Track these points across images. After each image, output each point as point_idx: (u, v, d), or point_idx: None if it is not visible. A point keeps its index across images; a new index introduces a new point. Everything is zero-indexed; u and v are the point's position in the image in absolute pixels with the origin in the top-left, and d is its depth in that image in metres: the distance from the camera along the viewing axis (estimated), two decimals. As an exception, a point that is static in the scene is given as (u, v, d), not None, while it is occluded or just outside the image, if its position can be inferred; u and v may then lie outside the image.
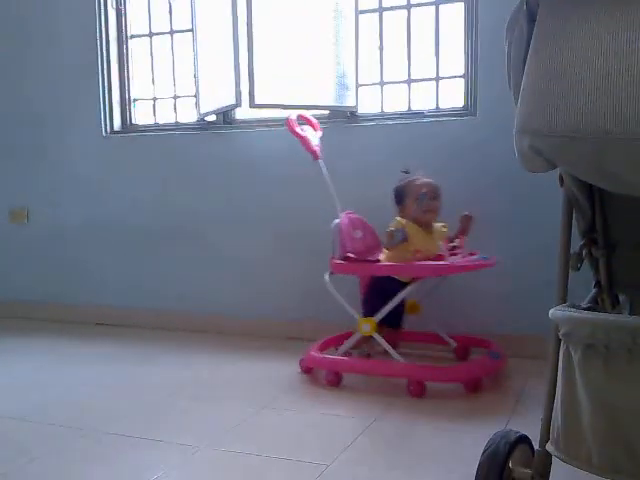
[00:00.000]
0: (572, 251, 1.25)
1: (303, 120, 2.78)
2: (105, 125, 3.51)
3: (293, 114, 2.70)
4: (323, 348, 2.63)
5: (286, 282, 3.16)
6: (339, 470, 1.68)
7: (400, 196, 2.52)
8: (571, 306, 1.14)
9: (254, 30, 2.82)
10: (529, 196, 2.61)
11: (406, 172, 2.53)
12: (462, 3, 2.85)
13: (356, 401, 2.25)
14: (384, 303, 2.41)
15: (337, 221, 2.56)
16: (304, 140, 2.66)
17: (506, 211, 2.70)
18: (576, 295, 1.25)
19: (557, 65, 1.04)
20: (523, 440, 1.32)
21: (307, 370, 2.55)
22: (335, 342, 2.68)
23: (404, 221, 2.43)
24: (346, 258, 2.48)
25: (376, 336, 2.40)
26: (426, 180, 2.48)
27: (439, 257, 2.40)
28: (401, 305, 2.55)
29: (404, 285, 2.42)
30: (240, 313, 3.23)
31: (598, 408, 1.04)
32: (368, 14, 3.06)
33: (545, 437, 1.18)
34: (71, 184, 3.59)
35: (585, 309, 1.18)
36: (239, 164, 3.22)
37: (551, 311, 1.12)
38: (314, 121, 2.82)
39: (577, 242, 1.31)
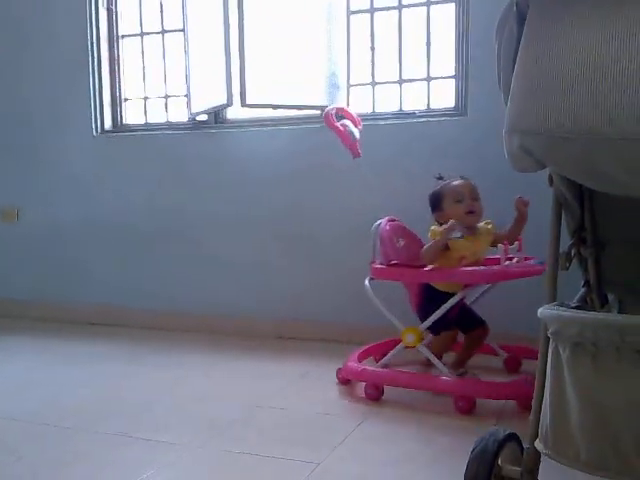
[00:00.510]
0: (561, 250, 1.26)
1: (342, 114, 2.59)
2: (96, 124, 3.50)
3: (331, 107, 2.52)
4: (362, 358, 2.44)
5: (278, 282, 3.16)
6: (330, 468, 1.68)
7: (437, 201, 2.30)
8: (560, 305, 1.15)
9: (245, 30, 2.83)
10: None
11: (440, 178, 2.33)
12: (453, 4, 2.87)
13: (347, 399, 2.25)
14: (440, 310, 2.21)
15: (377, 223, 2.38)
16: (343, 135, 2.48)
17: (499, 211, 2.70)
18: (566, 295, 1.26)
19: (546, 66, 1.04)
20: (512, 438, 1.32)
21: (344, 382, 2.38)
22: (375, 352, 2.52)
23: (440, 228, 2.21)
24: (389, 264, 2.33)
25: (421, 348, 2.24)
26: (463, 181, 2.29)
27: (492, 261, 2.23)
28: (465, 309, 2.38)
29: (451, 295, 2.21)
30: (232, 313, 3.23)
31: (586, 406, 1.05)
32: (360, 14, 3.07)
33: (534, 435, 1.18)
34: (63, 183, 3.57)
35: (574, 308, 1.19)
36: (230, 164, 3.21)
37: (540, 310, 1.12)
38: (354, 115, 2.63)
39: (567, 241, 1.32)
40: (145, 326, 3.36)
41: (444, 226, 2.18)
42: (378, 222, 2.38)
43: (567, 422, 1.08)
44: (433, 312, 2.21)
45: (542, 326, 1.15)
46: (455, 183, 2.29)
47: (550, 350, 1.11)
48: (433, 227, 2.26)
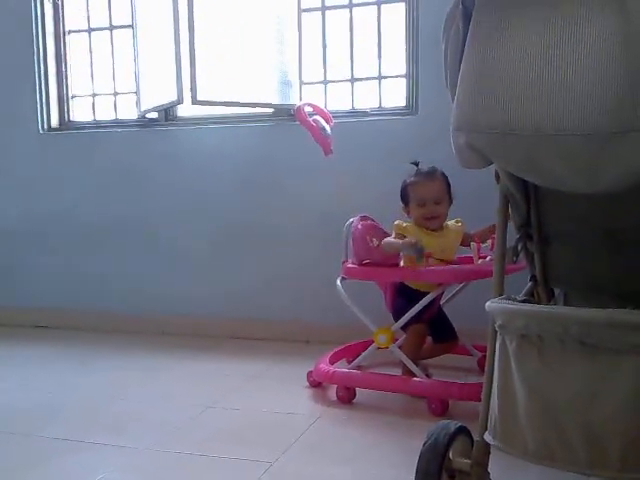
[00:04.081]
0: (508, 245, 1.29)
1: (315, 111, 2.52)
2: (42, 122, 3.41)
3: (303, 103, 2.43)
4: (333, 360, 2.37)
5: (233, 280, 3.13)
6: (284, 467, 1.68)
7: (403, 196, 2.27)
8: (507, 299, 1.17)
9: (195, 26, 2.79)
10: (472, 194, 2.66)
11: (415, 164, 2.27)
12: (403, 3, 2.89)
13: (299, 398, 2.24)
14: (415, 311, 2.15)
15: (349, 222, 2.30)
16: (315, 131, 2.41)
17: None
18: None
19: (491, 64, 1.06)
20: (463, 431, 1.34)
21: (315, 384, 2.31)
22: (347, 353, 2.47)
23: (404, 224, 2.20)
24: (361, 264, 2.26)
25: (394, 349, 2.18)
26: (429, 182, 2.22)
27: (465, 260, 2.21)
28: (440, 315, 2.35)
29: (424, 293, 2.16)
30: (186, 312, 3.19)
31: (532, 397, 1.07)
32: (311, 12, 3.07)
33: (483, 427, 1.20)
34: (7, 183, 3.47)
35: (520, 302, 1.21)
36: (181, 162, 3.17)
37: (487, 304, 1.14)
38: (326, 112, 2.56)
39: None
40: (95, 328, 3.28)
41: (405, 240, 2.12)
42: (350, 220, 2.30)
43: (514, 414, 1.10)
44: (407, 310, 2.16)
45: (490, 320, 1.17)
46: (420, 186, 2.23)
47: (497, 343, 1.14)
48: (397, 222, 2.22)
